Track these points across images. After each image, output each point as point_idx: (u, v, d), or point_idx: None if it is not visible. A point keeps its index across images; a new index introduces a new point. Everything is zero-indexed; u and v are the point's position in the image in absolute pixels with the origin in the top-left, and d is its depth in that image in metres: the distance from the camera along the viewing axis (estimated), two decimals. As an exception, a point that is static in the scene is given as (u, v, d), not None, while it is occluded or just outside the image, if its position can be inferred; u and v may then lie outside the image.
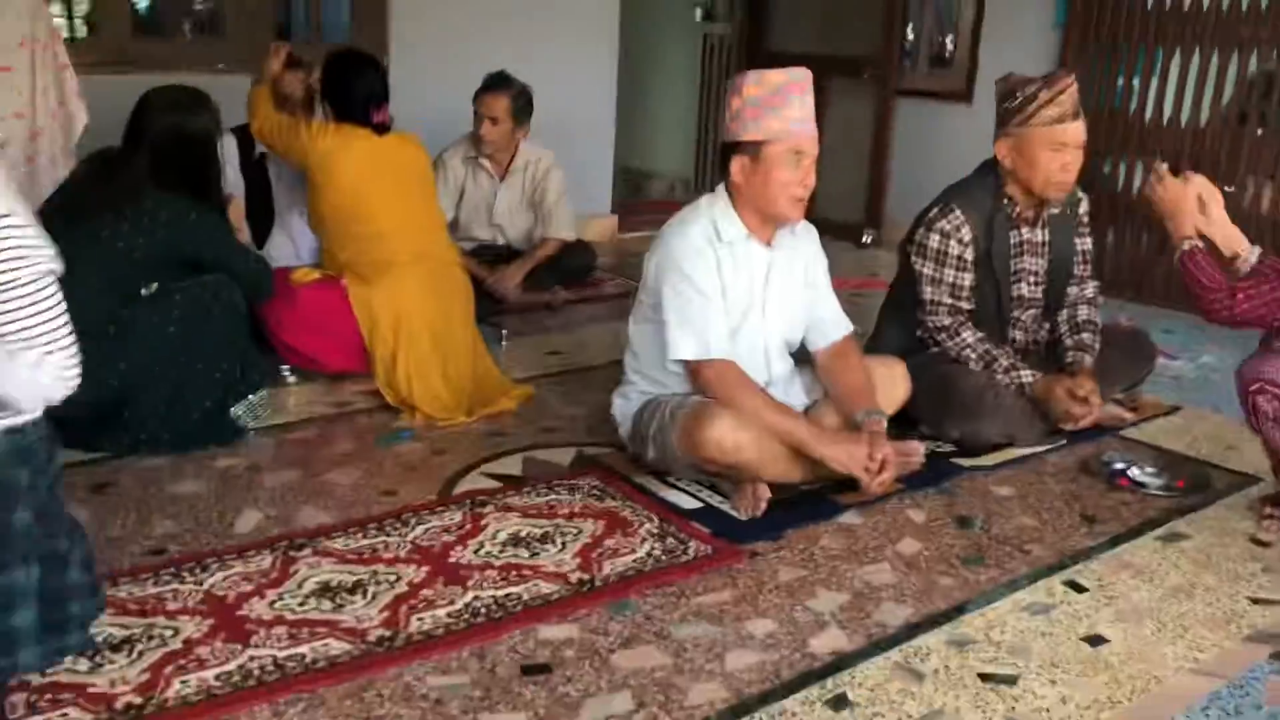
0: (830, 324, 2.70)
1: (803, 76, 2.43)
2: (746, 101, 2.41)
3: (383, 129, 3.19)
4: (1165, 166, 2.68)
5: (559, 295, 4.34)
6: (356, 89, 3.17)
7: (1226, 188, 2.55)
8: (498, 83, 4.09)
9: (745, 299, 2.54)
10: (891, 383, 2.77)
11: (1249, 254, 2.52)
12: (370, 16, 4.52)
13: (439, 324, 3.08)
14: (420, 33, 4.61)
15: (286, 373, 3.23)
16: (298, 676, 1.82)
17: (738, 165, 2.45)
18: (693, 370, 2.49)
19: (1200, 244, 2.56)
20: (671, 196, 6.87)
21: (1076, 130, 2.85)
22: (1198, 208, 2.57)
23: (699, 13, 6.52)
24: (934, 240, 2.96)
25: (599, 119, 5.37)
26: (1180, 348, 4.00)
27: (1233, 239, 2.55)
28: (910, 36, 5.88)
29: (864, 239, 5.54)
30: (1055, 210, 3.03)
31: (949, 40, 5.76)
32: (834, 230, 5.62)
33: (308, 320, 3.12)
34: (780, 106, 2.39)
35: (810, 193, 2.47)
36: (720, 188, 2.55)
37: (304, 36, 4.74)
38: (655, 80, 7.04)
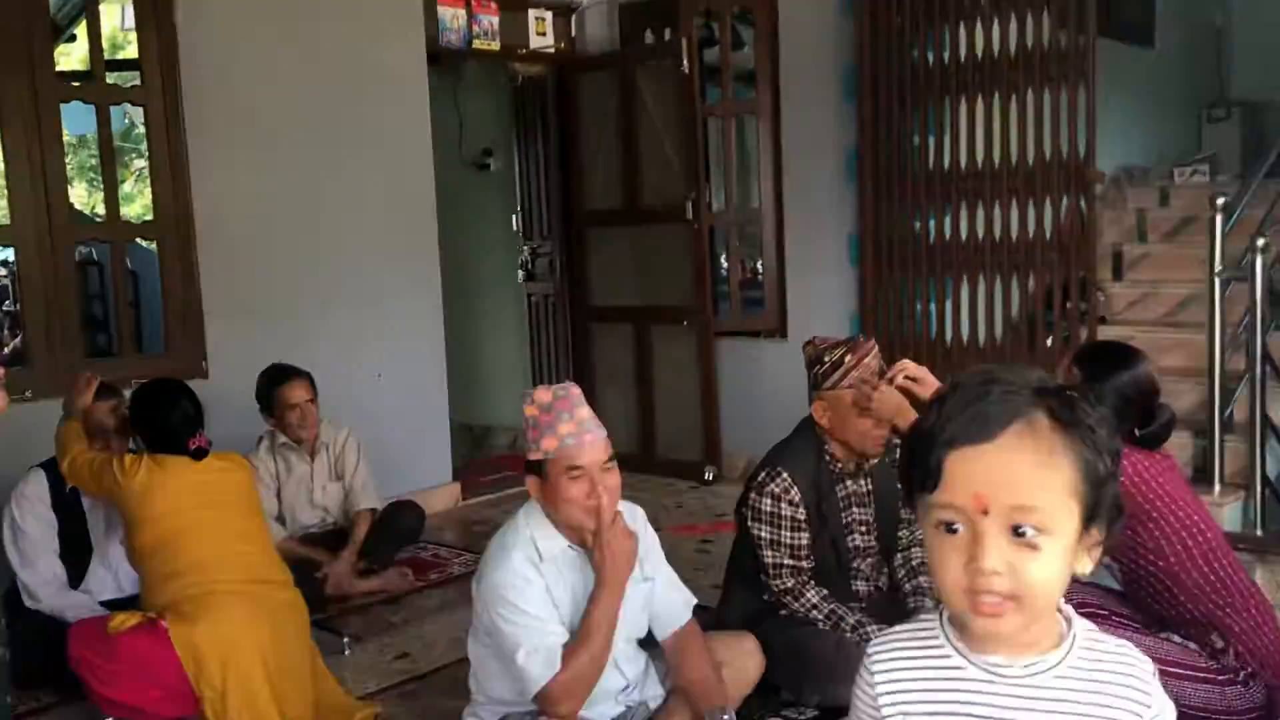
0: (671, 613, 2.66)
1: (566, 392, 2.44)
2: (527, 421, 2.43)
3: (200, 454, 3.11)
4: (871, 374, 2.93)
5: (405, 575, 4.23)
6: (170, 419, 3.10)
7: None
8: (294, 370, 4.19)
9: (577, 614, 2.47)
10: (743, 658, 2.76)
11: None
12: (186, 325, 4.48)
13: (272, 654, 2.92)
14: (237, 332, 4.59)
15: None
16: None
17: (532, 484, 2.45)
18: (550, 695, 2.36)
19: None
20: (515, 449, 6.89)
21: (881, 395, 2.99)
22: (914, 386, 2.82)
23: (520, 275, 6.74)
24: (766, 504, 3.02)
25: (431, 387, 5.40)
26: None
27: None
28: (726, 283, 6.21)
29: (706, 476, 5.64)
30: (874, 460, 3.15)
31: (759, 280, 6.12)
32: (676, 470, 5.74)
33: (128, 670, 2.90)
34: (552, 424, 2.39)
35: (612, 498, 2.42)
36: (531, 502, 2.51)
37: (118, 353, 4.66)
38: (485, 338, 7.18)
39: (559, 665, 2.36)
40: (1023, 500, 1.02)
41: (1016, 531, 1.02)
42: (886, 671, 1.19)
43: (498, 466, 6.29)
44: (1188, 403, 4.70)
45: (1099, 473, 1.05)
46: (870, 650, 1.24)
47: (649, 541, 2.68)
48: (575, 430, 2.39)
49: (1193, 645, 2.51)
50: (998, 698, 1.10)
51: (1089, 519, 1.06)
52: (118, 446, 3.35)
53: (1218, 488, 4.34)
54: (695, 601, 2.74)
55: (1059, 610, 1.12)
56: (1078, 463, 1.04)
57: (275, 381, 4.17)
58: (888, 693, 1.18)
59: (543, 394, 2.44)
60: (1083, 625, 1.14)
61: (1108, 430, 1.07)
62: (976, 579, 1.03)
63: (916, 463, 1.08)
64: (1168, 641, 2.52)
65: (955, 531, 1.05)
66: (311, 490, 4.28)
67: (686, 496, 5.43)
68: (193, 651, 2.87)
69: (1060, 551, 1.04)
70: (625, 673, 2.57)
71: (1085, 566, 1.09)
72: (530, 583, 2.40)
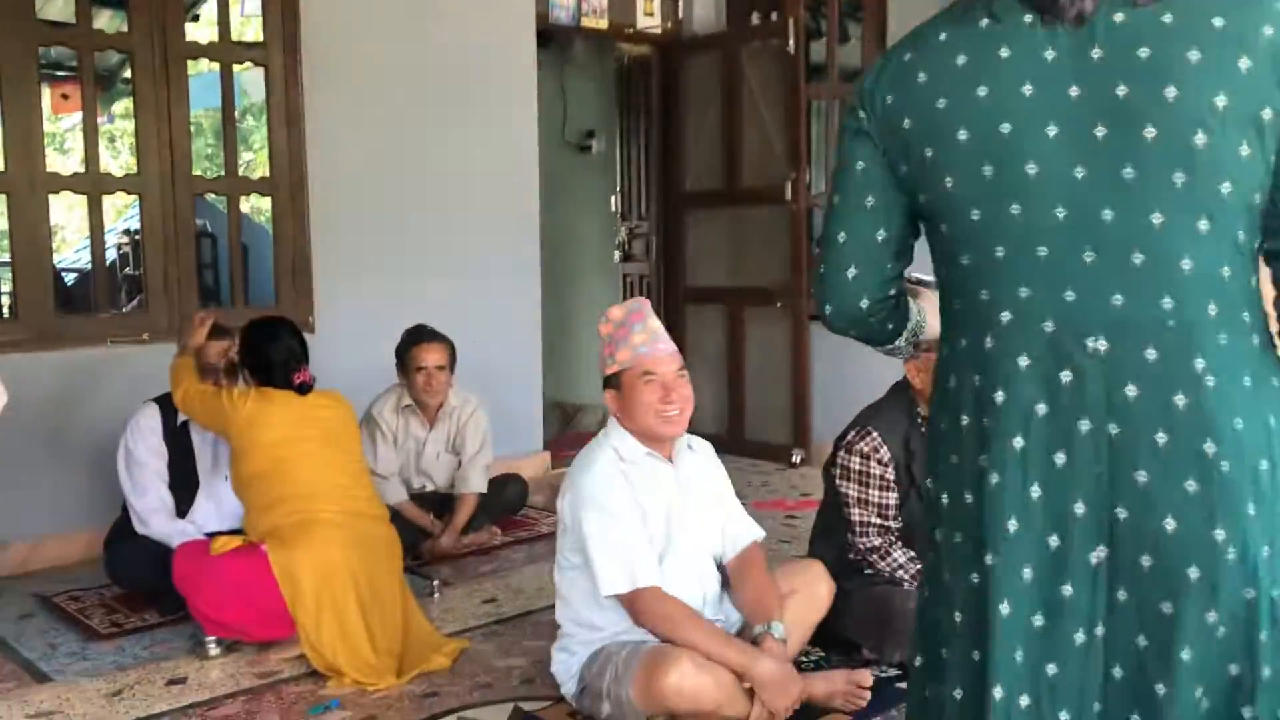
0: (738, 533, 2.74)
1: (639, 305, 2.63)
2: (603, 340, 2.61)
3: (304, 389, 3.23)
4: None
5: (494, 535, 4.31)
6: (274, 353, 3.22)
7: None
8: (431, 333, 4.17)
9: (664, 519, 2.57)
10: (813, 584, 2.80)
11: None
12: (296, 279, 4.63)
13: (365, 584, 3.02)
14: (345, 290, 4.73)
15: (211, 644, 3.13)
16: None
17: (609, 397, 2.62)
18: (625, 603, 2.47)
19: None
20: (604, 428, 6.95)
21: None
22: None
23: (617, 255, 6.80)
24: (855, 463, 3.02)
25: (527, 357, 5.50)
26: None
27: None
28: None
29: (794, 459, 5.62)
30: (968, 425, 3.11)
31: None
32: (765, 452, 5.73)
33: (229, 591, 3.02)
34: (626, 336, 2.55)
35: (684, 406, 2.57)
36: (611, 419, 2.66)
37: (230, 303, 4.84)
38: (580, 317, 7.26)
39: (637, 578, 2.43)
40: None
41: None
42: None
43: (587, 440, 6.36)
44: None
45: None
46: None
47: (716, 470, 2.80)
48: (648, 339, 2.55)
49: None
50: None
51: None
52: (226, 386, 3.47)
53: None
54: (763, 533, 2.79)
55: None
56: None
57: (414, 339, 4.16)
58: None
59: (616, 311, 2.61)
60: None
61: None
62: None
63: None
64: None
65: None
66: (421, 456, 4.27)
67: (773, 477, 5.42)
68: (290, 576, 2.98)
69: None
70: (704, 583, 2.63)
71: None
72: (613, 481, 2.52)
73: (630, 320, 2.57)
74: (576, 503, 2.53)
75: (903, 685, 2.81)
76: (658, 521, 2.55)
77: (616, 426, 2.63)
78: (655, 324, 2.60)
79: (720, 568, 2.74)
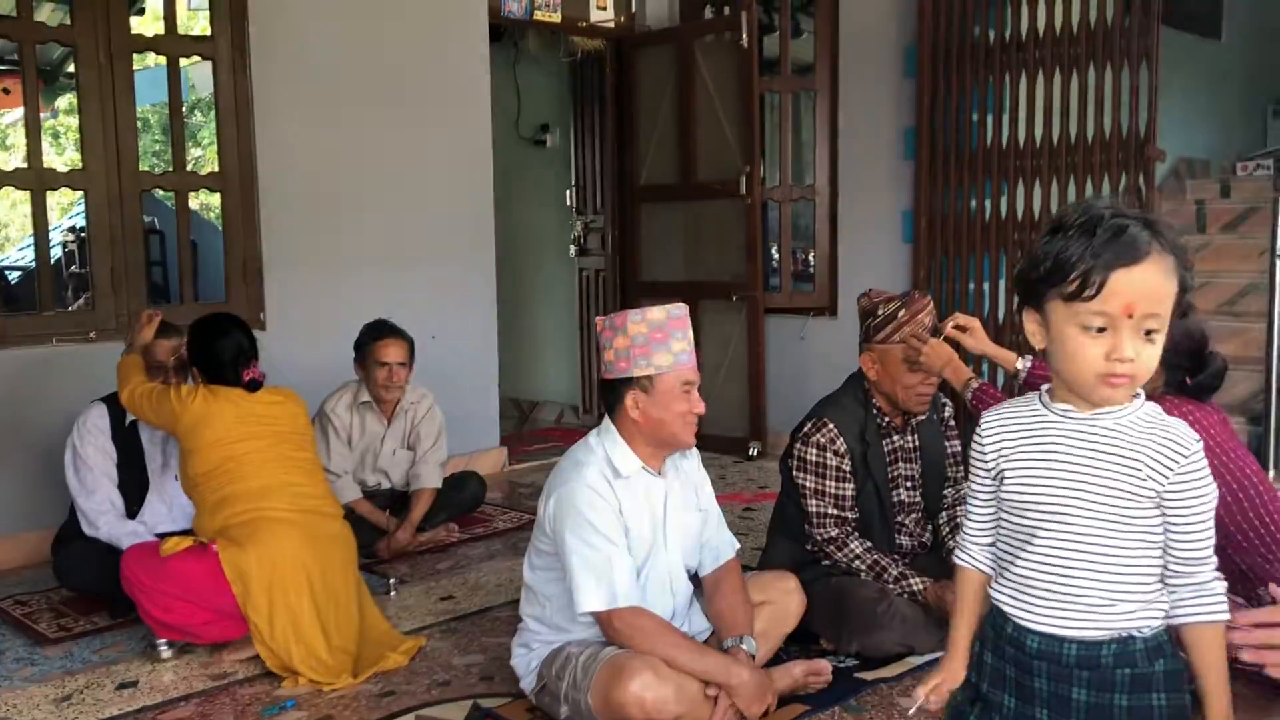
0: (719, 547, 2.73)
1: (682, 313, 2.55)
2: (634, 339, 2.48)
3: (254, 386, 3.19)
4: (924, 330, 2.97)
5: (452, 533, 4.28)
6: (223, 351, 3.17)
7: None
8: (393, 329, 4.12)
9: (648, 535, 2.54)
10: (785, 597, 2.80)
11: (1023, 363, 2.89)
12: (246, 276, 4.57)
13: (319, 582, 2.98)
14: (296, 287, 4.68)
15: (163, 647, 3.08)
16: None
17: (631, 400, 2.50)
18: (601, 620, 2.44)
19: (981, 381, 2.90)
20: (561, 423, 6.94)
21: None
22: (964, 336, 2.93)
23: (573, 249, 6.79)
24: (812, 454, 3.03)
25: (483, 352, 5.46)
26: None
27: (1003, 355, 2.95)
28: (775, 258, 6.23)
29: (750, 452, 5.64)
30: (921, 417, 3.14)
31: (810, 257, 6.11)
32: (721, 445, 5.74)
33: (179, 592, 2.97)
34: (666, 341, 2.48)
35: (699, 414, 2.57)
36: (607, 422, 2.58)
37: (179, 300, 4.76)
38: (536, 313, 7.24)
39: (618, 597, 2.40)
40: (1154, 309, 1.39)
41: (1145, 331, 1.39)
42: (991, 424, 1.57)
43: (545, 438, 6.35)
44: (1244, 390, 4.64)
45: (1187, 283, 1.42)
46: (983, 416, 1.59)
47: (701, 479, 2.75)
48: (687, 348, 2.52)
49: (1239, 599, 2.48)
50: (1066, 432, 1.47)
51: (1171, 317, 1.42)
52: (175, 384, 3.42)
53: (1272, 473, 4.28)
54: (739, 545, 2.78)
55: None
56: (1179, 276, 1.41)
57: (374, 334, 4.10)
58: (991, 437, 1.55)
59: (656, 312, 2.51)
60: (1152, 404, 1.47)
61: (1185, 249, 1.43)
62: (1115, 365, 1.39)
63: (1066, 279, 1.40)
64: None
65: (1102, 330, 1.40)
66: (379, 454, 4.23)
67: (730, 470, 5.44)
68: (241, 575, 2.94)
69: (1162, 341, 1.42)
70: (676, 594, 2.61)
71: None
72: (603, 498, 2.46)
73: (670, 326, 2.49)
74: (561, 514, 2.47)
75: (860, 675, 2.84)
76: (642, 537, 2.52)
77: (612, 433, 2.55)
78: (691, 334, 2.56)
79: (694, 578, 2.73)
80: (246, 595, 2.93)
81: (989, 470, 1.55)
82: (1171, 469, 1.42)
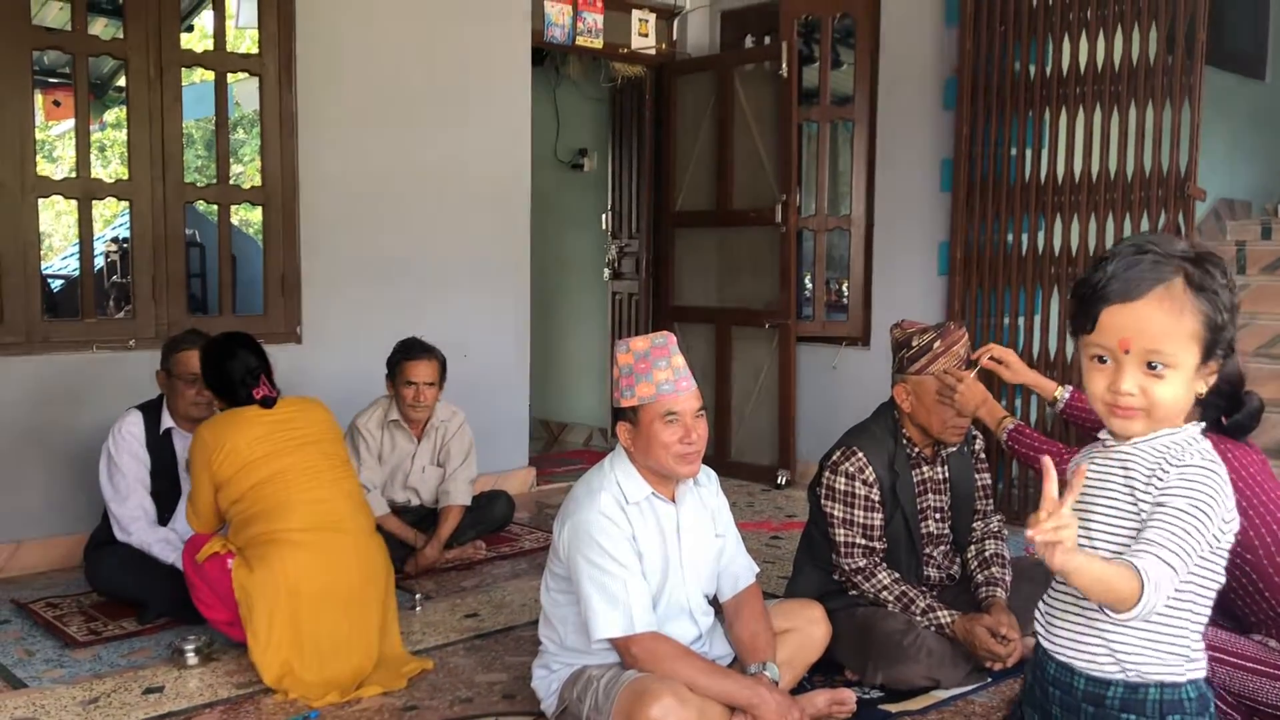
0: (738, 572, 2.71)
1: (665, 340, 2.52)
2: (621, 370, 2.49)
3: (268, 403, 3.16)
4: (959, 362, 2.95)
5: (479, 550, 4.28)
6: (232, 372, 3.17)
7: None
8: (424, 349, 4.12)
9: (661, 562, 2.52)
10: (810, 626, 2.77)
11: (1063, 392, 2.88)
12: (284, 289, 4.62)
13: (325, 605, 2.95)
14: (334, 301, 4.73)
15: (189, 654, 3.08)
16: None
17: (623, 430, 2.52)
18: (619, 647, 2.43)
19: (1016, 421, 2.89)
20: (589, 446, 6.95)
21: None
22: (1000, 368, 2.93)
23: (607, 273, 6.82)
24: (840, 483, 3.01)
25: (515, 373, 5.49)
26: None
27: (1043, 384, 2.94)
28: (809, 286, 6.23)
29: (779, 480, 5.62)
30: (952, 448, 3.12)
31: (844, 288, 6.10)
32: (749, 473, 5.73)
33: (211, 591, 3.04)
34: (648, 371, 2.46)
35: (700, 447, 2.50)
36: (620, 449, 2.58)
37: (217, 312, 4.82)
38: (567, 335, 7.27)
39: (635, 622, 2.39)
40: (1155, 345, 1.41)
41: (1150, 365, 1.42)
42: None
43: (573, 459, 6.36)
44: (1282, 433, 4.58)
45: (1218, 323, 1.42)
46: None
47: (719, 503, 2.73)
48: (672, 377, 2.47)
49: (1274, 644, 2.44)
50: (1096, 461, 1.52)
51: (1206, 356, 1.44)
52: (207, 395, 3.41)
53: (1309, 518, 4.20)
54: (758, 570, 2.77)
55: (1184, 424, 1.48)
56: (1200, 316, 1.41)
57: (405, 353, 4.11)
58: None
59: (639, 342, 2.50)
60: (1189, 433, 1.47)
61: (1230, 291, 1.43)
62: (1117, 397, 1.44)
63: (1080, 312, 1.46)
64: (1246, 639, 2.46)
65: (1105, 362, 1.45)
66: (409, 471, 4.23)
67: (759, 498, 5.42)
68: (246, 596, 2.94)
69: (1181, 378, 1.43)
70: (699, 623, 2.60)
71: (1201, 388, 1.47)
72: (616, 525, 2.45)
73: (653, 355, 2.47)
74: (575, 540, 2.46)
75: (884, 707, 2.81)
76: (655, 564, 2.51)
77: (623, 460, 2.54)
78: (679, 360, 2.50)
79: (715, 604, 2.71)
80: (249, 615, 2.94)
81: None
82: (1162, 479, 1.42)
